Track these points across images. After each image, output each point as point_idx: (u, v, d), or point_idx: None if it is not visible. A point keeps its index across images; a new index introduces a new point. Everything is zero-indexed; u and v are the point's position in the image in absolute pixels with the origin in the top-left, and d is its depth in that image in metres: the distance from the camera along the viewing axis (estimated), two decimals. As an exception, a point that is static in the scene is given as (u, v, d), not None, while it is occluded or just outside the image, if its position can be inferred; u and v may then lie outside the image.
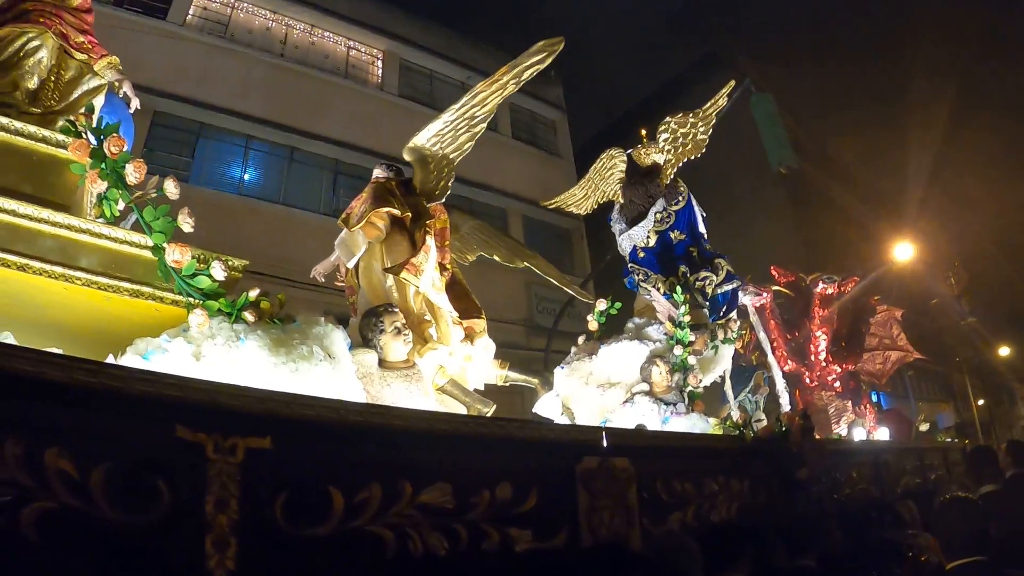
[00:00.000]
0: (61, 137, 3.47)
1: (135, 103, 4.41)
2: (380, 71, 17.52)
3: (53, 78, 3.81)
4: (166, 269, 3.13)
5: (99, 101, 3.99)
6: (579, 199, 8.54)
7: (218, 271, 3.16)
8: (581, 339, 6.81)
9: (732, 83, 7.97)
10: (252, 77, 14.54)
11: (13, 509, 1.90)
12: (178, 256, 3.07)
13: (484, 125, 4.57)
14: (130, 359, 2.86)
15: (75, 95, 3.85)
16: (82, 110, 3.76)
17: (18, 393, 1.98)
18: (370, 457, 2.69)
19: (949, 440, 10.94)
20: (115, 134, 3.31)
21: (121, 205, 3.40)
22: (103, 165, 3.26)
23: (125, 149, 3.32)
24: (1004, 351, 32.00)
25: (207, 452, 2.25)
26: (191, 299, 3.15)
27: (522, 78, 4.40)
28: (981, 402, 34.19)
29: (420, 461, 2.82)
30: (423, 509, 2.73)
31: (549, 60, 4.34)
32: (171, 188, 3.29)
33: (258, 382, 2.73)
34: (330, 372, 3.17)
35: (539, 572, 2.81)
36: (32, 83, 3.77)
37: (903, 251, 17.55)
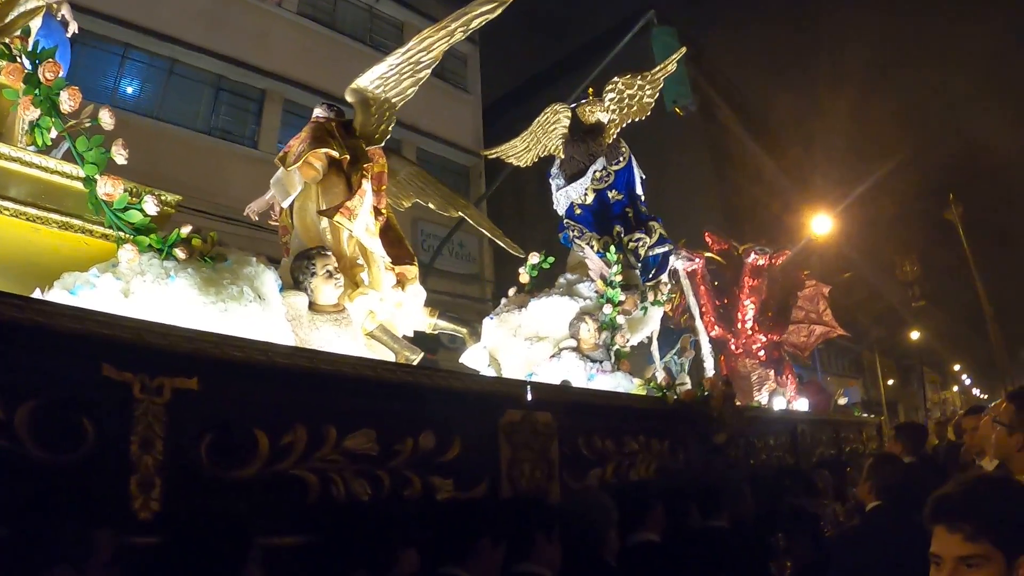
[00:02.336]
0: (-8, 62, 3.30)
1: (73, 27, 4.23)
2: (281, -14, 16.36)
3: (-12, -3, 3.59)
4: (97, 202, 3.05)
5: (36, 23, 3.77)
6: (520, 151, 8.51)
7: (150, 206, 3.08)
8: (512, 291, 6.87)
9: (683, 49, 8.04)
10: (136, -18, 13.44)
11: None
12: (110, 189, 2.98)
13: (429, 71, 4.55)
14: (57, 294, 2.80)
15: (11, 16, 3.58)
16: (18, 32, 3.56)
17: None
18: (297, 400, 2.73)
19: (865, 415, 11.43)
20: (51, 59, 3.17)
21: (54, 134, 3.27)
22: (36, 91, 3.12)
23: (61, 75, 3.18)
24: (915, 335, 33.32)
25: (133, 391, 2.25)
26: (121, 233, 3.08)
27: (470, 27, 4.38)
28: (891, 382, 35.61)
29: (346, 406, 2.88)
30: (347, 454, 2.80)
31: (499, 11, 4.32)
32: (106, 119, 3.18)
33: (187, 321, 2.72)
34: (259, 313, 3.15)
35: (459, 521, 2.89)
36: (-35, 2, 3.53)
37: (821, 223, 17.96)
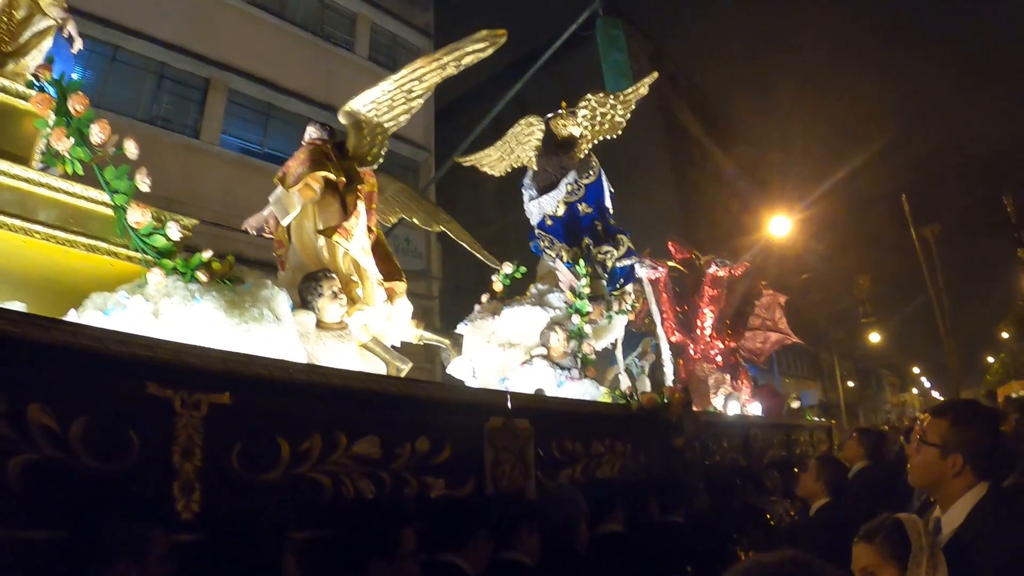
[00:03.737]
0: (21, 88, 3.54)
1: (78, 44, 4.40)
2: (229, -28, 16.10)
3: (5, 18, 3.79)
4: (125, 227, 3.33)
5: (47, 44, 3.99)
6: (494, 160, 8.81)
7: (174, 231, 3.38)
8: (484, 298, 7.21)
9: (655, 74, 8.38)
10: (77, -34, 13.16)
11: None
12: (139, 217, 3.28)
13: (421, 101, 4.85)
14: (90, 314, 3.08)
15: (25, 36, 3.82)
16: (40, 60, 3.79)
17: (1, 353, 2.18)
18: (312, 411, 3.07)
19: (816, 419, 11.85)
20: (78, 92, 3.44)
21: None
22: (67, 123, 3.39)
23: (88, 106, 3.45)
24: (874, 337, 33.90)
25: (175, 407, 2.57)
26: (145, 256, 3.37)
27: (462, 63, 4.69)
28: (851, 384, 36.13)
29: (354, 416, 3.23)
30: (355, 458, 3.16)
31: (489, 51, 4.64)
32: (131, 148, 3.46)
33: (214, 341, 3.03)
34: (276, 333, 3.48)
35: (450, 516, 3.25)
36: (-17, 24, 3.69)
37: (780, 225, 18.31)
